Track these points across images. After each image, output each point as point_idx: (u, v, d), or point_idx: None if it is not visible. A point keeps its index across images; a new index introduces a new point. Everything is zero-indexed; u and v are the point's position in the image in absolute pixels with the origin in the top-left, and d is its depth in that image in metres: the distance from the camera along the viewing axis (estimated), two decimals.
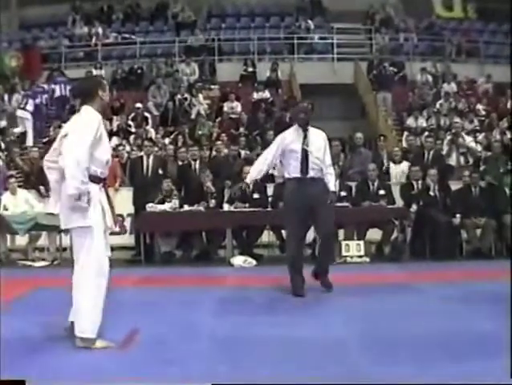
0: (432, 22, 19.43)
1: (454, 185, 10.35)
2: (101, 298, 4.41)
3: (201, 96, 15.49)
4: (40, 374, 3.81)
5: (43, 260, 9.60)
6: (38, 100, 15.15)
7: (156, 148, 11.41)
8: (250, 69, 17.19)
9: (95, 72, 15.90)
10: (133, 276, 7.97)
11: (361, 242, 9.36)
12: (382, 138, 12.24)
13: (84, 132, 4.37)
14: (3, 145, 13.18)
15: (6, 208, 9.83)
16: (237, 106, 15.13)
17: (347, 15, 18.76)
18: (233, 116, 14.85)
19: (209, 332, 4.88)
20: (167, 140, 13.27)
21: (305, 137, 6.50)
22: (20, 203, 9.92)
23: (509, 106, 14.91)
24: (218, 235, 9.65)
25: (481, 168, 11.38)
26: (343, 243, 9.25)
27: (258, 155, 11.98)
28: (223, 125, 14.48)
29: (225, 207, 9.69)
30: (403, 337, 4.69)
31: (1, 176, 11.00)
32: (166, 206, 9.60)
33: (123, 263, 9.33)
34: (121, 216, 10.46)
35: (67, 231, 4.77)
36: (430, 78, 16.91)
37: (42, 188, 10.80)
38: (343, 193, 9.58)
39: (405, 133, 14.20)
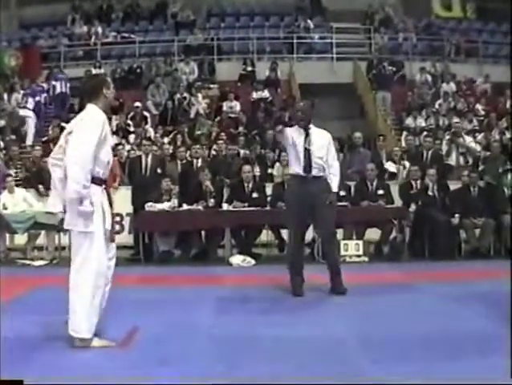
0: (431, 21, 19.45)
1: (453, 185, 10.36)
2: (98, 299, 4.41)
3: (200, 95, 15.48)
4: (38, 374, 3.81)
5: (42, 259, 9.59)
6: (37, 98, 15.15)
7: (154, 147, 11.41)
8: (249, 68, 17.17)
9: (94, 71, 15.89)
10: (132, 275, 7.96)
11: (360, 242, 9.36)
12: (381, 138, 12.25)
13: (90, 132, 4.36)
14: (2, 144, 13.19)
15: (5, 207, 9.83)
16: (237, 105, 15.12)
17: (346, 15, 18.78)
18: (232, 116, 14.84)
19: (207, 331, 4.88)
20: (166, 140, 13.27)
21: (306, 136, 6.50)
22: (18, 202, 9.92)
23: (508, 106, 14.92)
24: (217, 234, 9.65)
25: (480, 167, 11.39)
26: (342, 243, 9.24)
27: (257, 154, 12.12)
28: (222, 124, 14.47)
29: (224, 206, 9.69)
30: (402, 336, 4.70)
31: (0, 174, 10.99)
32: (165, 205, 9.60)
33: (122, 262, 9.28)
34: (120, 215, 10.47)
35: (66, 230, 4.76)
36: (429, 77, 16.91)
37: (41, 186, 10.81)
38: (341, 193, 9.57)
39: (404, 133, 14.22)
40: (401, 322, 5.21)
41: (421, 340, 4.56)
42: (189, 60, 17.14)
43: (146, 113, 14.77)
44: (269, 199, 9.90)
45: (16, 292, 6.62)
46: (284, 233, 9.45)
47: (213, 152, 12.15)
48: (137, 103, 14.77)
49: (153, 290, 7.02)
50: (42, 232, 9.80)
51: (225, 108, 15.10)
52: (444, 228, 9.48)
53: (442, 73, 17.19)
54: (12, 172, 11.49)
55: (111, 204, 4.58)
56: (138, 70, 17.08)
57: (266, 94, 15.82)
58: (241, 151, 12.23)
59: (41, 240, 9.94)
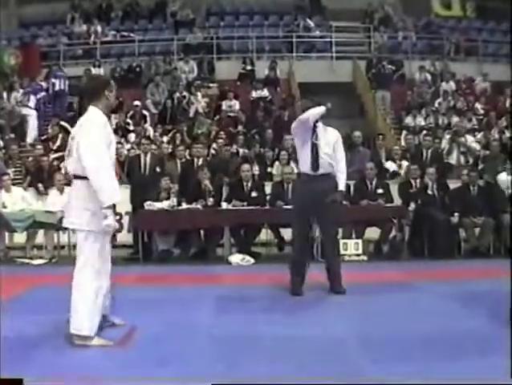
0: (430, 20, 19.44)
1: (453, 184, 10.35)
2: (101, 298, 4.42)
3: (199, 94, 15.47)
4: (38, 373, 3.81)
5: (41, 258, 9.59)
6: (38, 96, 15.14)
7: (153, 146, 11.40)
8: (249, 67, 17.16)
9: (93, 70, 15.89)
10: (131, 274, 7.95)
11: (359, 241, 9.36)
12: (380, 137, 12.25)
13: (97, 136, 4.38)
14: (2, 143, 13.19)
15: (4, 206, 9.82)
16: (236, 104, 15.11)
17: (345, 14, 18.76)
18: (231, 114, 14.84)
19: (206, 330, 4.88)
20: (165, 138, 13.26)
21: (313, 132, 6.52)
22: (17, 200, 9.91)
23: (507, 105, 14.92)
24: (216, 233, 9.64)
25: (480, 166, 11.39)
26: (342, 242, 9.22)
27: (256, 153, 12.12)
28: (221, 123, 14.47)
29: (224, 205, 9.68)
30: (401, 336, 4.69)
31: None
32: (164, 204, 9.59)
33: (122, 261, 9.30)
34: (119, 214, 10.46)
35: (65, 229, 4.78)
36: (429, 76, 16.92)
37: (40, 185, 10.81)
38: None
39: (404, 132, 14.21)
40: (401, 322, 5.21)
41: (421, 340, 4.56)
42: (189, 59, 17.13)
43: (145, 112, 14.76)
44: (268, 198, 9.91)
45: (15, 291, 6.61)
46: (283, 232, 9.47)
47: (212, 151, 12.14)
48: (136, 102, 14.76)
49: (152, 289, 7.01)
50: (41, 231, 9.79)
51: (224, 107, 15.10)
52: (444, 227, 9.47)
53: (442, 72, 17.19)
54: (11, 170, 11.49)
55: None
56: (137, 69, 17.07)
57: (265, 93, 15.81)
58: (241, 150, 12.22)
59: (40, 239, 9.94)
